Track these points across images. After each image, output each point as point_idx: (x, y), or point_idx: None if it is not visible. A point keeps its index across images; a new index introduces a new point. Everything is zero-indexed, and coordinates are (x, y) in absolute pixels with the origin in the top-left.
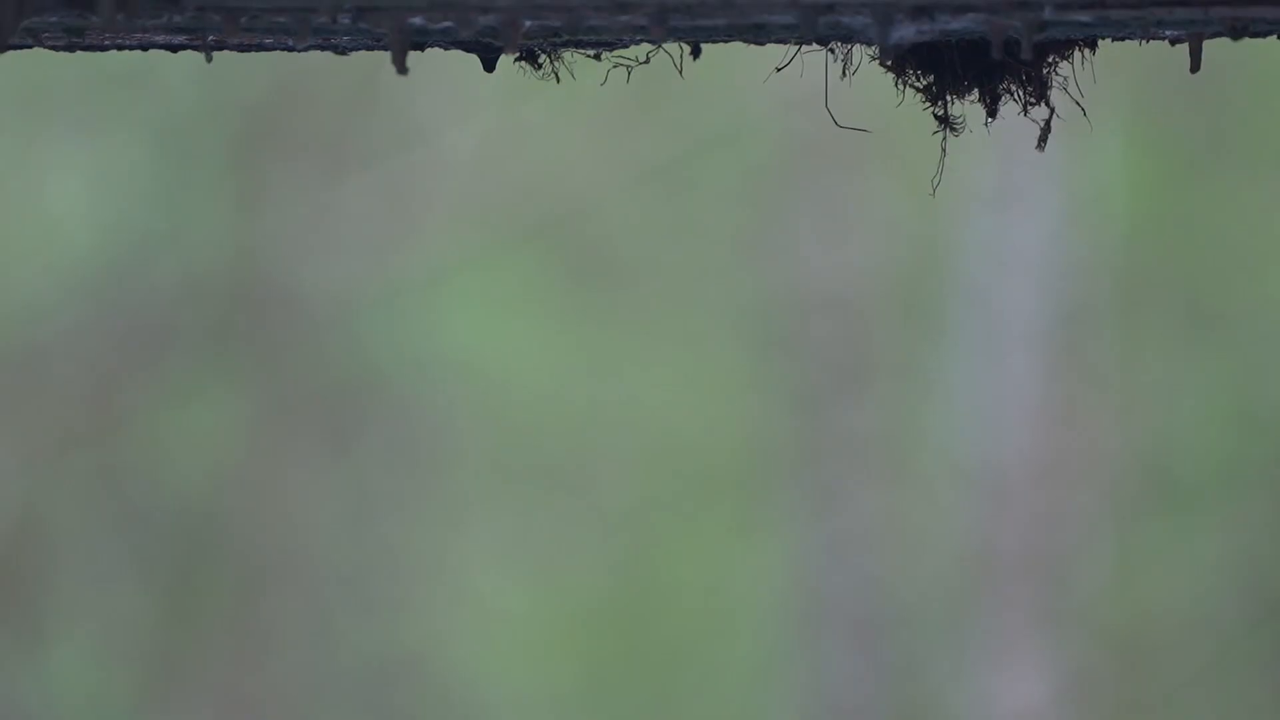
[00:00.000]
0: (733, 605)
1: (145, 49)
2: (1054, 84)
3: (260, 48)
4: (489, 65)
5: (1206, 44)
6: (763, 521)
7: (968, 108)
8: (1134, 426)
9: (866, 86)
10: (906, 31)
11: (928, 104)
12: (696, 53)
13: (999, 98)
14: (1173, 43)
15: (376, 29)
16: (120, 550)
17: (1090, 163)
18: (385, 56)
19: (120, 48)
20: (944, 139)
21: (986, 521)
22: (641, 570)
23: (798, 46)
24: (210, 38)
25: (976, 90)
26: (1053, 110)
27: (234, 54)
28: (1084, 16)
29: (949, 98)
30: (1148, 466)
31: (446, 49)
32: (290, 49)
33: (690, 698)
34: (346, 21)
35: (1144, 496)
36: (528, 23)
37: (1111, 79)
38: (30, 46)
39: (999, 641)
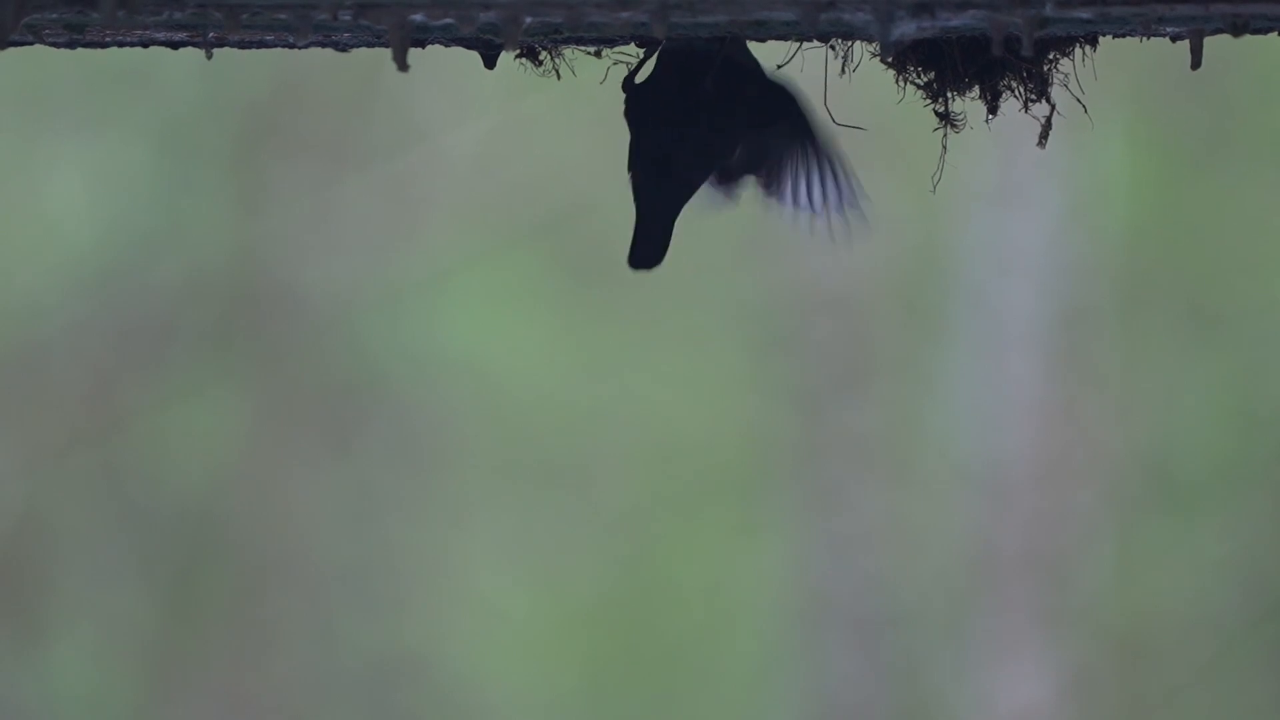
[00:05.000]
0: (734, 605)
1: (146, 46)
2: (1055, 81)
3: (261, 44)
4: (490, 62)
5: (1207, 41)
6: (764, 521)
7: (968, 104)
8: (1134, 426)
9: (867, 83)
10: (907, 28)
11: (929, 101)
12: None
13: (1000, 94)
14: (1174, 39)
15: (377, 26)
16: (121, 549)
17: (1091, 160)
18: (386, 53)
19: (121, 45)
20: (945, 136)
21: (987, 521)
22: (642, 570)
23: (799, 43)
24: (211, 34)
25: (977, 87)
26: (1054, 107)
27: (235, 51)
28: (1085, 13)
29: (950, 94)
30: (1148, 466)
31: (447, 46)
32: (291, 46)
33: (690, 698)
34: (347, 18)
35: (1144, 496)
36: (529, 19)
37: (1112, 76)
38: (31, 43)
39: (999, 641)
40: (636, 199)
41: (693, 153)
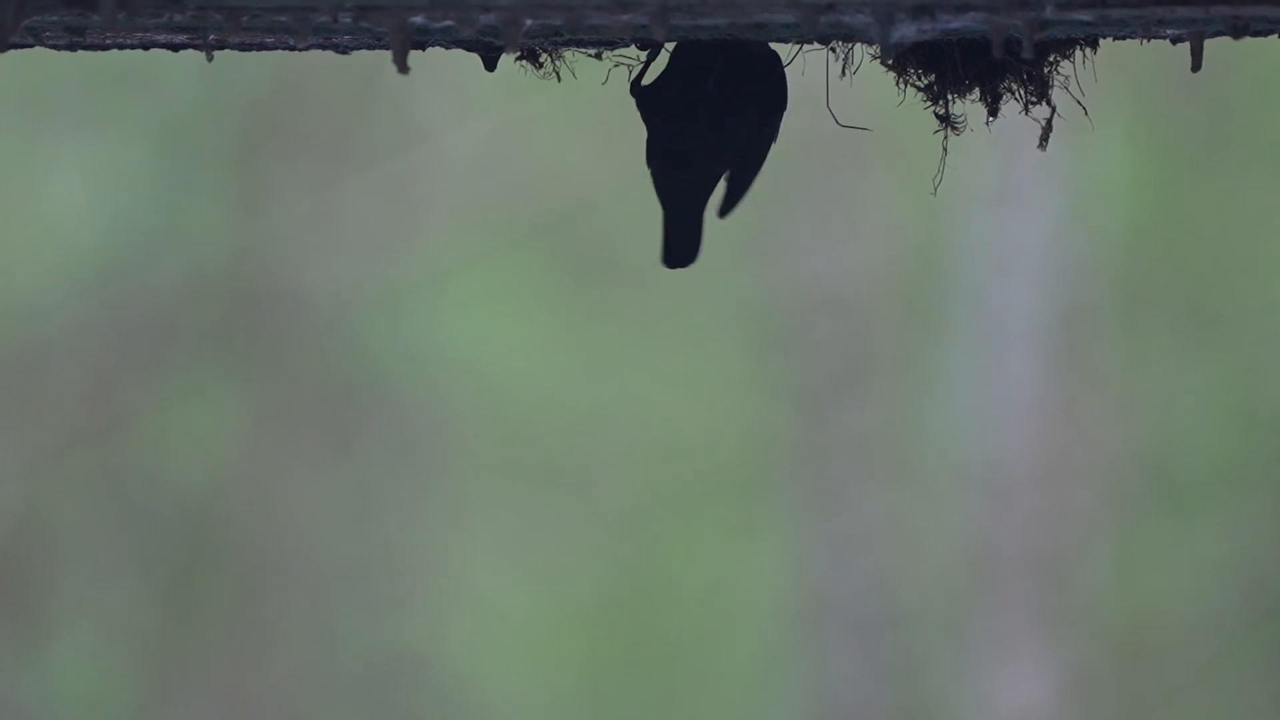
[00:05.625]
0: (734, 605)
1: (146, 48)
2: (1055, 83)
3: (261, 47)
4: (490, 64)
5: (1208, 43)
6: (764, 521)
7: (969, 107)
8: (1134, 426)
9: (868, 85)
10: (908, 30)
11: (929, 103)
12: None
13: (1000, 97)
14: (1174, 41)
15: (378, 28)
16: (121, 549)
17: (1091, 161)
18: (387, 56)
19: (121, 47)
20: (945, 138)
21: (987, 521)
22: (642, 570)
23: (799, 45)
24: (211, 37)
25: (978, 89)
26: (1054, 109)
27: (235, 53)
28: (1085, 15)
29: (950, 97)
30: (1148, 466)
31: (448, 48)
32: (291, 48)
33: (690, 698)
34: (348, 21)
35: (1144, 496)
36: (529, 22)
37: (1113, 78)
38: (32, 45)
39: (999, 641)
40: (660, 197)
41: (704, 146)
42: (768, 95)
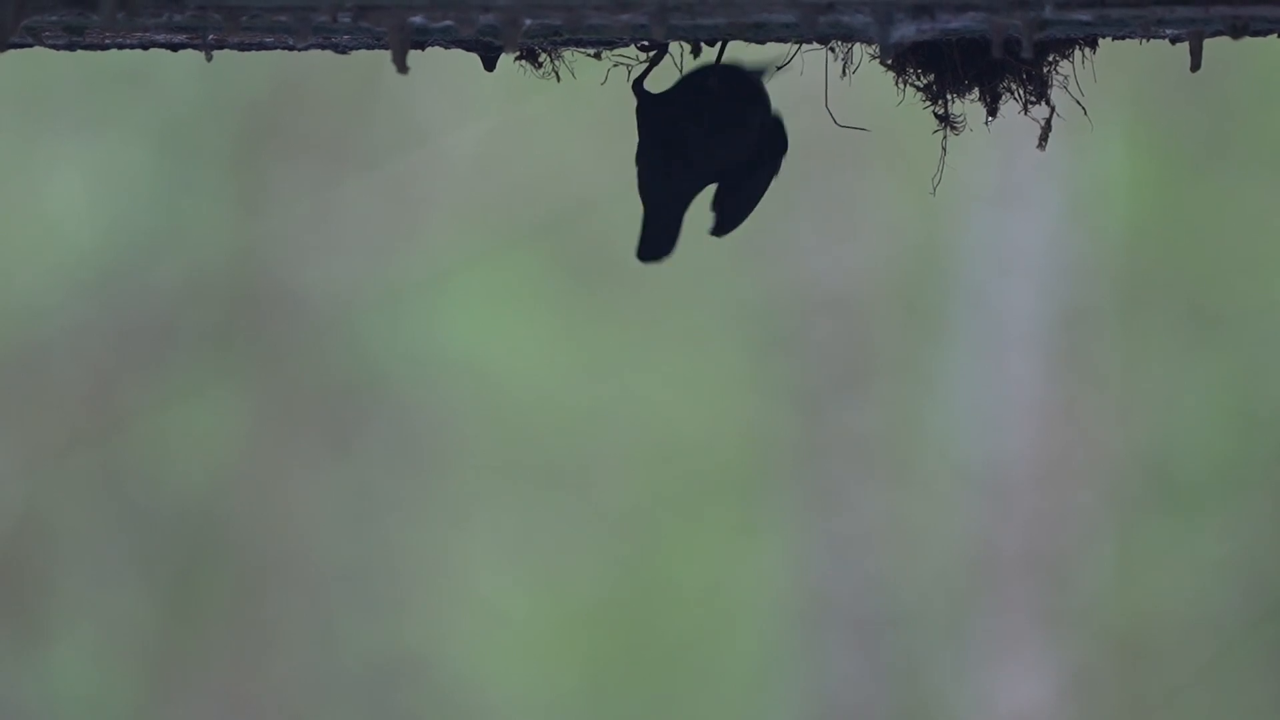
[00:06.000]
0: (734, 605)
1: (146, 48)
2: (1054, 83)
3: (261, 47)
4: (489, 64)
5: (1207, 43)
6: (764, 521)
7: (968, 106)
8: (1134, 426)
9: (867, 85)
10: (907, 30)
11: (928, 103)
12: (697, 52)
13: (999, 96)
14: (1173, 41)
15: (377, 28)
16: (122, 550)
17: (1091, 161)
18: (386, 56)
19: (121, 47)
20: (944, 138)
21: (987, 521)
22: (642, 570)
23: (798, 45)
24: (211, 36)
25: (977, 89)
26: (1053, 109)
27: (235, 53)
28: (1084, 15)
29: (949, 96)
30: (1148, 466)
31: (447, 48)
32: (291, 48)
33: (690, 698)
34: (347, 20)
35: (1144, 496)
36: (528, 21)
37: (1112, 78)
38: (31, 45)
39: (999, 641)
40: (642, 193)
41: (702, 142)
42: (769, 109)
